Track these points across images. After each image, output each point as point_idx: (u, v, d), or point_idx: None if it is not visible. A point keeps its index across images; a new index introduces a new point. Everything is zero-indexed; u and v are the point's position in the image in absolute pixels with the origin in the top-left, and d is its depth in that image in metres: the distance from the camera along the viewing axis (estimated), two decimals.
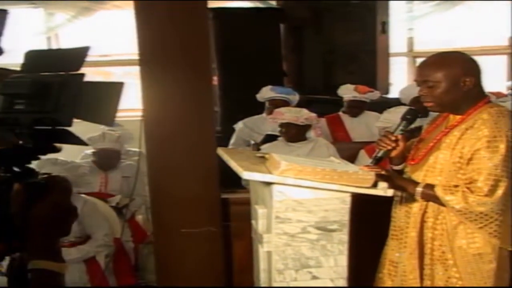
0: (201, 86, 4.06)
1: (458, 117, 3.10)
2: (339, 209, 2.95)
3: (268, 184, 2.91)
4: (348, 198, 2.95)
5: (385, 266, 3.34)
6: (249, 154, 3.51)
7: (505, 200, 2.94)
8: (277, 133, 5.23)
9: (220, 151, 3.36)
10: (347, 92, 6.28)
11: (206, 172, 4.09)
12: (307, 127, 5.15)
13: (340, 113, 6.36)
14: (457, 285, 3.08)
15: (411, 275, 3.17)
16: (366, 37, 7.80)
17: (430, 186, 3.05)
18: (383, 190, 2.92)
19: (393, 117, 4.85)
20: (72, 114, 1.56)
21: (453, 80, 3.01)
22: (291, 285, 2.99)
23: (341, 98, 6.33)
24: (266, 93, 6.14)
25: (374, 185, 2.91)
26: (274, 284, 3.01)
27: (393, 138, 3.21)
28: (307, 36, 8.02)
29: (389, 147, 3.22)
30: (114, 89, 1.56)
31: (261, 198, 3.13)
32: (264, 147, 5.11)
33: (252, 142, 5.70)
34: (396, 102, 5.81)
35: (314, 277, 2.99)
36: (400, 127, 3.26)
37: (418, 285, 3.16)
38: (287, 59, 7.91)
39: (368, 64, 7.80)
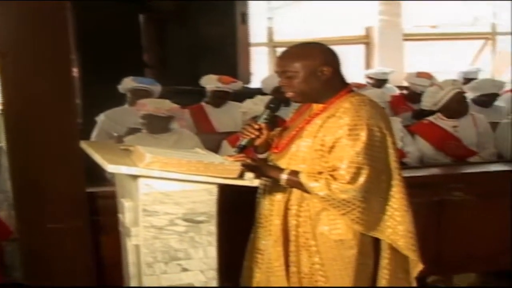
0: (61, 78, 3.96)
1: (321, 106, 3.15)
2: (206, 200, 2.96)
3: (134, 177, 2.88)
4: (215, 189, 2.96)
5: (252, 254, 3.37)
6: (114, 147, 3.46)
7: (368, 187, 2.99)
8: (140, 126, 5.18)
9: (84, 144, 3.28)
10: (210, 82, 6.31)
11: (70, 166, 3.99)
12: (170, 119, 5.14)
13: (203, 103, 6.38)
14: (320, 271, 3.14)
15: (276, 263, 3.21)
16: (227, 28, 7.85)
17: (295, 173, 3.08)
18: (250, 180, 2.95)
19: (249, 105, 4.98)
20: None
21: (310, 70, 3.06)
22: (161, 278, 2.99)
23: (205, 89, 6.36)
24: (127, 83, 6.10)
25: (241, 175, 2.94)
26: (144, 278, 2.99)
27: (257, 127, 3.25)
28: (170, 27, 7.98)
29: (253, 136, 3.26)
30: None
31: (127, 191, 3.10)
32: (128, 139, 5.04)
33: (115, 134, 5.62)
34: (258, 92, 5.90)
35: (184, 269, 2.99)
36: (264, 116, 3.30)
37: (283, 272, 3.19)
38: (149, 50, 7.86)
39: (230, 54, 7.86)
